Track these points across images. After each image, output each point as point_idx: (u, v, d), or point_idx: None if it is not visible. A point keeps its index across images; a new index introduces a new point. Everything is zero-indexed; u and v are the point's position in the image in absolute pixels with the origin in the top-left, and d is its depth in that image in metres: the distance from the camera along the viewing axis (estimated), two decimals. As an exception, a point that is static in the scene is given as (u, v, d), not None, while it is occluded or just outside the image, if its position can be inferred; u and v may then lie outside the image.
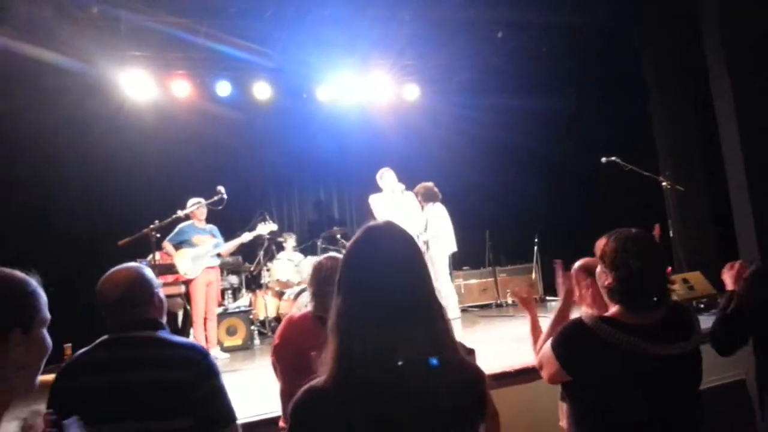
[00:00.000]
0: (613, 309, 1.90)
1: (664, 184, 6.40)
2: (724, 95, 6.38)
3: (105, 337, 1.99)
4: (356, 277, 1.33)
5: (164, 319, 2.10)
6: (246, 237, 6.40)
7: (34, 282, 1.31)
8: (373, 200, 6.58)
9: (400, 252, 1.35)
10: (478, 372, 1.39)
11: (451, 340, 1.34)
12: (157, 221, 5.30)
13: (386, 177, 6.54)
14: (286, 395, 2.53)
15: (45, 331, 1.32)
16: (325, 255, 2.79)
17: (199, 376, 1.88)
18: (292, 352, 2.51)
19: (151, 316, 2.02)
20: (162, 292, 2.11)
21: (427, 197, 6.77)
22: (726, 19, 6.30)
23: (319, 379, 1.28)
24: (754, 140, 6.22)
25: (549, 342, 1.92)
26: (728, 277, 2.57)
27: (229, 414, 1.95)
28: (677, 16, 7.09)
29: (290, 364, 2.52)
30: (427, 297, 1.34)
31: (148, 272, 2.07)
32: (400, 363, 1.22)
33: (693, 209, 7.11)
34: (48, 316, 1.33)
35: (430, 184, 6.83)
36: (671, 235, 6.44)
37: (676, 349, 1.77)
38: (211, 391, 1.90)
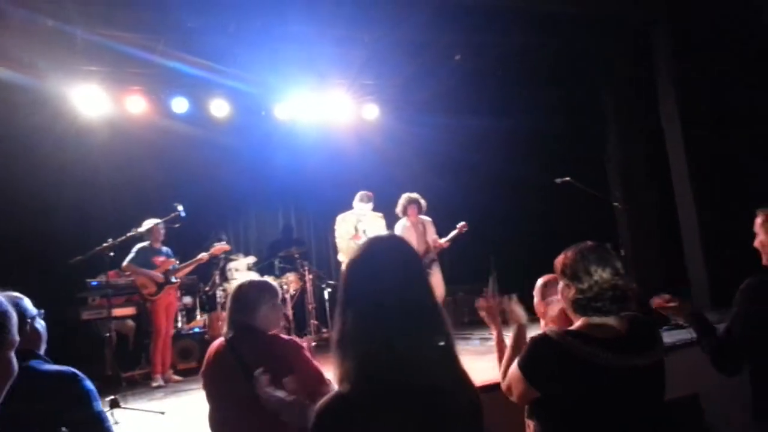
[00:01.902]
0: (578, 322, 1.91)
1: (615, 204, 6.61)
2: (673, 120, 6.68)
3: None
4: (365, 289, 1.35)
5: (42, 349, 2.00)
6: (202, 257, 6.29)
7: (5, 302, 1.27)
8: (344, 218, 6.56)
9: (403, 264, 1.39)
10: (475, 389, 1.44)
11: (457, 351, 1.39)
12: (110, 239, 5.17)
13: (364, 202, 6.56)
14: (213, 420, 2.58)
15: (12, 354, 1.27)
16: (246, 280, 2.79)
17: (69, 404, 1.80)
18: (212, 378, 2.59)
19: (21, 346, 1.94)
20: (39, 322, 2.02)
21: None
22: (678, 43, 6.60)
23: (343, 388, 1.31)
24: (700, 161, 6.51)
25: (515, 362, 1.90)
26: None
27: None
28: (634, 47, 7.37)
29: (213, 391, 2.59)
30: (433, 309, 1.38)
31: (23, 302, 1.99)
32: (411, 374, 1.26)
33: (642, 229, 7.34)
34: (17, 338, 1.28)
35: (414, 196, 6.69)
36: (622, 254, 6.63)
37: (642, 359, 1.78)
38: (83, 420, 1.81)
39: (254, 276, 7.68)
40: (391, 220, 6.78)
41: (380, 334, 1.28)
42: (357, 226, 6.47)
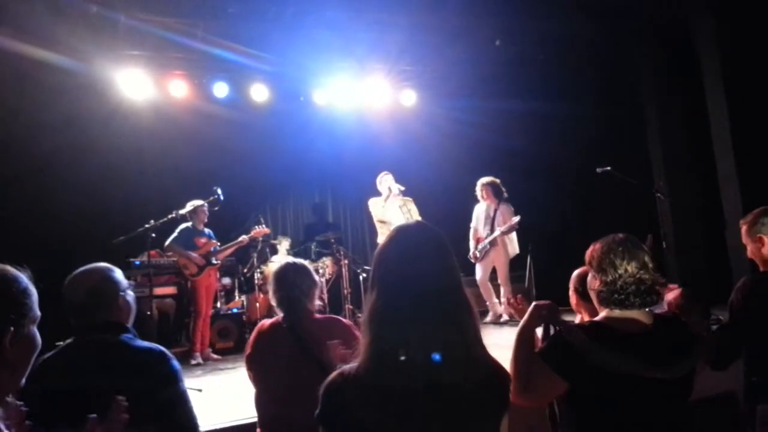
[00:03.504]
0: (601, 313, 1.90)
1: (657, 194, 6.44)
2: (720, 106, 6.45)
3: (69, 340, 1.94)
4: (388, 273, 1.41)
5: (131, 322, 2.04)
6: (242, 239, 6.40)
7: (25, 278, 1.29)
8: (372, 204, 6.58)
9: (430, 250, 1.43)
10: (502, 370, 1.46)
11: (478, 336, 1.41)
12: (152, 221, 5.30)
13: (384, 181, 6.54)
14: (260, 402, 2.57)
15: (35, 329, 1.30)
16: (286, 261, 2.76)
17: (158, 383, 1.82)
18: (263, 360, 2.55)
19: (114, 318, 1.96)
20: (130, 295, 2.06)
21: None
22: (721, 35, 6.37)
23: (352, 365, 1.36)
24: (747, 153, 6.29)
25: (535, 359, 1.87)
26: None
27: (189, 422, 1.88)
28: (674, 30, 7.15)
29: (262, 373, 2.56)
30: (456, 293, 1.41)
31: (116, 274, 2.02)
32: (427, 359, 1.29)
33: (686, 220, 7.16)
34: (38, 313, 1.31)
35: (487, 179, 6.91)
36: (664, 245, 6.47)
37: (664, 369, 1.72)
38: (170, 399, 1.84)
39: (291, 259, 7.79)
40: (428, 205, 6.85)
41: (394, 320, 1.33)
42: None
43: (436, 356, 1.30)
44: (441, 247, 1.46)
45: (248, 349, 2.62)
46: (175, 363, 1.92)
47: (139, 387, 1.77)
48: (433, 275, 1.38)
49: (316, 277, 2.69)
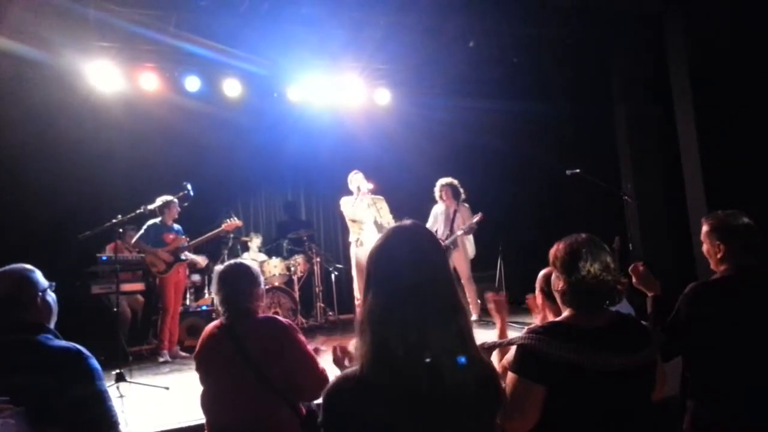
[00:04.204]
0: (564, 313, 1.92)
1: (625, 198, 6.56)
2: (687, 111, 6.59)
3: None
4: (386, 274, 1.41)
5: (52, 322, 2.04)
6: (211, 234, 6.32)
7: None
8: (343, 203, 6.57)
9: (425, 251, 1.44)
10: (492, 368, 1.51)
11: (473, 336, 1.43)
12: (119, 216, 5.21)
13: (354, 180, 6.53)
14: (203, 402, 2.62)
15: None
16: (228, 262, 2.81)
17: (72, 381, 1.82)
18: (205, 360, 2.62)
19: (32, 319, 1.96)
20: (51, 295, 2.05)
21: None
22: (691, 36, 6.50)
23: (353, 368, 1.36)
24: (713, 157, 6.44)
25: (509, 374, 1.86)
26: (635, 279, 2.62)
27: (108, 420, 1.88)
28: (645, 33, 7.29)
29: (204, 373, 2.63)
30: (452, 294, 1.42)
31: (35, 274, 2.03)
32: (428, 358, 1.31)
33: (652, 223, 7.29)
34: None
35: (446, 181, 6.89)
36: (630, 247, 6.59)
37: (624, 359, 1.76)
38: (85, 397, 1.84)
39: (262, 257, 7.75)
40: (403, 203, 6.85)
41: (394, 320, 1.33)
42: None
43: (439, 357, 1.31)
44: (436, 248, 1.48)
45: (196, 348, 2.68)
46: (93, 362, 1.92)
47: (51, 385, 1.78)
48: (431, 276, 1.40)
49: (261, 278, 2.73)
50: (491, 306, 2.55)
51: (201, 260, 6.42)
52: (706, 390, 2.41)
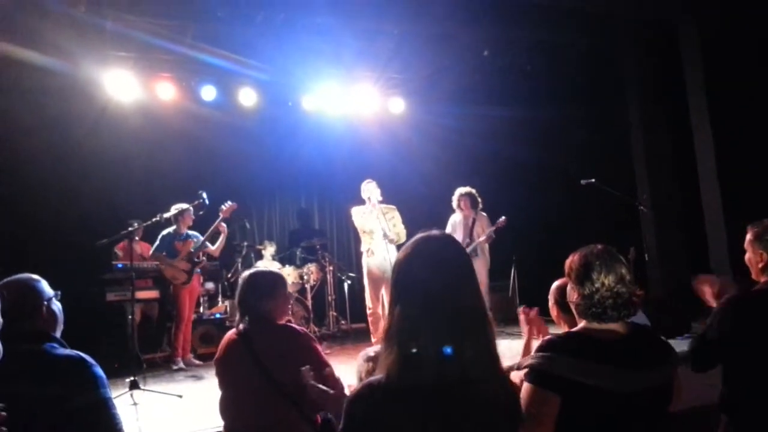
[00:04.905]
0: (580, 324, 1.90)
1: (640, 207, 6.49)
2: (703, 120, 6.53)
3: None
4: (412, 284, 1.39)
5: (58, 331, 2.04)
6: (213, 226, 6.16)
7: None
8: (354, 213, 6.54)
9: (452, 260, 1.42)
10: (515, 385, 1.50)
11: (496, 348, 1.41)
12: (135, 224, 5.26)
13: (366, 189, 6.46)
14: (221, 407, 2.64)
15: None
16: (252, 269, 2.83)
17: (76, 389, 1.82)
18: (223, 365, 2.66)
19: (37, 328, 1.96)
20: (56, 304, 2.06)
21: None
22: (705, 42, 6.45)
23: (378, 377, 1.34)
24: (730, 164, 6.36)
25: (524, 386, 1.81)
26: (708, 295, 2.58)
27: (113, 427, 1.88)
28: (659, 39, 7.25)
29: (221, 377, 2.66)
30: (481, 308, 1.40)
31: (40, 284, 2.03)
32: (460, 369, 1.30)
33: (668, 234, 7.21)
34: None
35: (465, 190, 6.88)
36: (646, 258, 6.52)
37: (641, 374, 1.73)
38: (89, 405, 1.84)
39: (276, 265, 7.76)
40: (417, 212, 6.85)
41: (421, 332, 1.31)
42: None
43: (471, 369, 1.31)
44: (465, 258, 1.46)
45: (217, 354, 2.71)
46: (97, 370, 1.92)
47: (56, 394, 1.78)
48: (460, 288, 1.38)
49: (283, 287, 2.74)
50: (522, 318, 2.55)
51: (213, 248, 6.26)
52: (743, 405, 2.33)
